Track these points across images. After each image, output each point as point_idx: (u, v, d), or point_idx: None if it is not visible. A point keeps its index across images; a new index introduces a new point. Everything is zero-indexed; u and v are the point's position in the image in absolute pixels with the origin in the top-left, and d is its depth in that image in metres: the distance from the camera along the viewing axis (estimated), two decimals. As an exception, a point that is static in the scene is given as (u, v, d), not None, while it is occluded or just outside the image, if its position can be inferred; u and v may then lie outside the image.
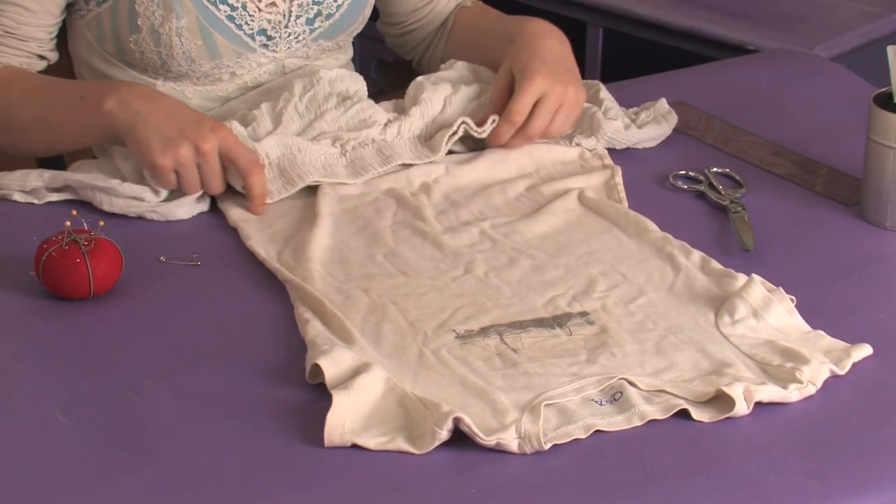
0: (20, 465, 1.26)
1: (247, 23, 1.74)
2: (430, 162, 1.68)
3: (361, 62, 2.82)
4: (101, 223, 1.52)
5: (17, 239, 1.56)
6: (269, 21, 1.75)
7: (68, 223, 1.49)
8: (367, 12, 1.85)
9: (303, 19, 1.77)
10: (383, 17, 1.93)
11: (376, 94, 1.87)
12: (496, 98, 1.71)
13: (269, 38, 1.76)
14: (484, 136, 1.70)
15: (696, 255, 1.54)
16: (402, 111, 1.74)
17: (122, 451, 1.28)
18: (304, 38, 1.78)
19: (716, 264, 1.52)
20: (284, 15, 1.76)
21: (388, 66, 2.81)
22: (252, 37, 1.75)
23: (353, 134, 1.68)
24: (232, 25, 1.73)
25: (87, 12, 1.73)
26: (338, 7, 1.79)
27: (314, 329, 1.41)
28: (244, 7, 1.73)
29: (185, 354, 1.40)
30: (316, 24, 1.79)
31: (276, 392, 1.34)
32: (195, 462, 1.26)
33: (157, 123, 1.56)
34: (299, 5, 1.76)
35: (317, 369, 1.34)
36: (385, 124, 1.70)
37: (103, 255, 1.47)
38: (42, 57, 1.71)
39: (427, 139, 1.72)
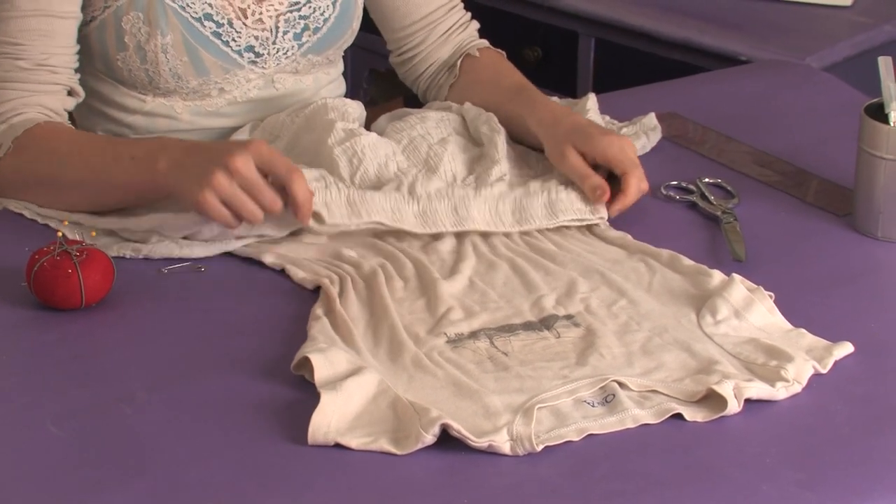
0: (11, 476, 1.26)
1: (233, 39, 1.73)
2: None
3: (353, 72, 2.82)
4: (94, 234, 1.52)
5: (9, 250, 1.56)
6: (256, 37, 1.74)
7: (60, 233, 1.49)
8: (356, 25, 1.84)
9: (290, 34, 1.77)
10: (384, 36, 1.92)
11: (368, 105, 1.87)
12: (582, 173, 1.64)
13: (258, 54, 1.75)
14: (600, 219, 1.63)
15: (665, 253, 1.56)
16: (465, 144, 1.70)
17: (113, 462, 1.27)
18: (292, 54, 1.78)
19: (686, 260, 1.53)
20: (271, 31, 1.75)
21: (379, 75, 2.81)
22: (240, 53, 1.74)
23: (421, 179, 1.61)
24: (218, 42, 1.72)
25: (78, 32, 1.72)
26: (325, 21, 1.78)
27: (319, 325, 1.42)
28: (230, 24, 1.72)
29: (177, 364, 1.40)
30: (304, 39, 1.78)
31: (269, 402, 1.34)
32: (187, 473, 1.26)
33: (191, 164, 1.52)
34: (286, 21, 1.76)
35: (305, 363, 1.35)
36: (459, 175, 1.66)
37: (95, 266, 1.47)
38: (71, 93, 1.68)
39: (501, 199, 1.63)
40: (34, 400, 1.35)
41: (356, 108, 1.77)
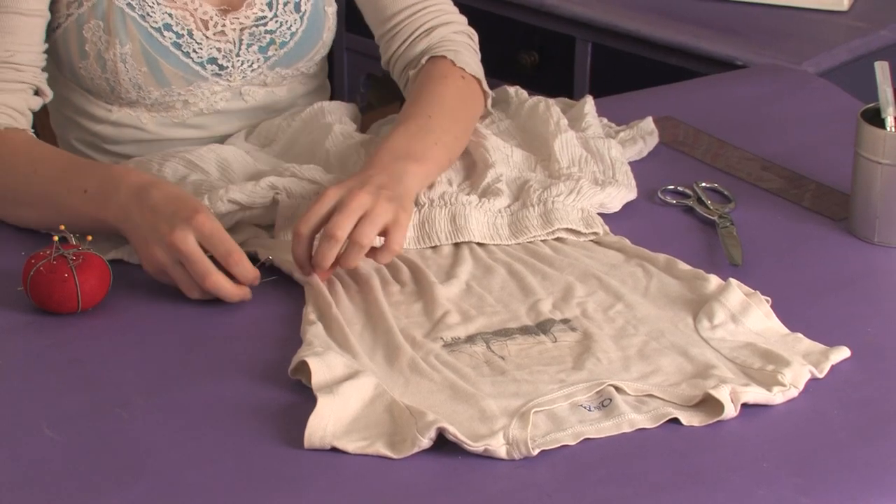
0: (6, 480, 1.26)
1: (195, 50, 1.71)
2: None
3: (350, 76, 2.83)
4: (90, 238, 1.51)
5: (5, 254, 1.56)
6: (218, 49, 1.72)
7: (56, 238, 1.49)
8: (328, 37, 1.80)
9: (255, 48, 1.74)
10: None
11: (365, 110, 1.86)
12: None
13: (221, 66, 1.73)
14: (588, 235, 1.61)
15: (661, 257, 1.55)
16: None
17: (109, 466, 1.27)
18: (258, 67, 1.75)
19: (682, 265, 1.53)
20: (234, 43, 1.73)
21: (377, 80, 2.81)
22: (202, 65, 1.72)
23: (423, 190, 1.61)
24: (179, 53, 1.70)
25: (47, 38, 1.71)
26: (292, 35, 1.76)
27: (314, 330, 1.42)
28: (190, 34, 1.70)
29: (174, 369, 1.40)
30: (270, 53, 1.75)
31: (266, 407, 1.34)
32: (183, 478, 1.26)
33: (140, 226, 1.49)
34: (250, 34, 1.73)
35: (302, 367, 1.35)
36: (455, 180, 1.66)
37: (91, 270, 1.47)
38: (38, 92, 1.67)
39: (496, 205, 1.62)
40: (30, 404, 1.35)
41: (351, 111, 1.77)
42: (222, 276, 1.47)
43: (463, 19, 1.81)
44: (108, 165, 1.57)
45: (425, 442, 1.28)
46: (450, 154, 1.65)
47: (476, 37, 1.82)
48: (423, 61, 1.75)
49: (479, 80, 1.76)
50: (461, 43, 1.78)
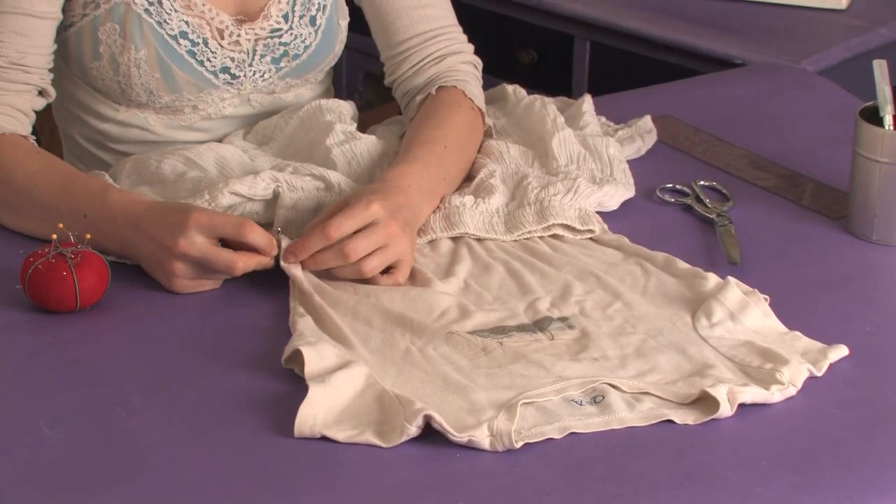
0: (5, 478, 1.26)
1: (209, 59, 1.71)
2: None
3: (348, 74, 2.83)
4: (88, 236, 1.51)
5: (3, 252, 1.56)
6: (232, 59, 1.72)
7: (55, 236, 1.48)
8: (339, 49, 1.81)
9: (268, 58, 1.74)
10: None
11: (363, 108, 1.86)
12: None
13: (234, 76, 1.73)
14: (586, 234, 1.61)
15: (660, 256, 1.55)
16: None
17: (107, 465, 1.27)
18: (269, 77, 1.75)
19: (681, 263, 1.54)
20: (248, 53, 1.73)
21: (375, 78, 2.81)
22: (215, 74, 1.72)
23: None
24: (193, 61, 1.70)
25: (57, 35, 1.71)
26: (305, 48, 1.76)
27: (305, 323, 1.42)
28: (205, 43, 1.70)
29: (172, 367, 1.40)
30: (282, 64, 1.75)
31: (263, 401, 1.34)
32: (181, 476, 1.26)
33: (147, 254, 1.51)
34: (265, 45, 1.73)
35: (295, 356, 1.36)
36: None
37: (90, 268, 1.47)
38: (41, 93, 1.67)
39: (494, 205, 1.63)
40: (28, 402, 1.35)
41: (349, 109, 1.77)
42: (244, 255, 1.49)
43: (470, 48, 1.82)
44: (103, 190, 1.56)
45: (413, 430, 1.28)
46: (452, 189, 1.67)
47: (480, 66, 1.83)
48: (433, 90, 1.75)
49: (482, 113, 1.77)
50: (469, 73, 1.79)
